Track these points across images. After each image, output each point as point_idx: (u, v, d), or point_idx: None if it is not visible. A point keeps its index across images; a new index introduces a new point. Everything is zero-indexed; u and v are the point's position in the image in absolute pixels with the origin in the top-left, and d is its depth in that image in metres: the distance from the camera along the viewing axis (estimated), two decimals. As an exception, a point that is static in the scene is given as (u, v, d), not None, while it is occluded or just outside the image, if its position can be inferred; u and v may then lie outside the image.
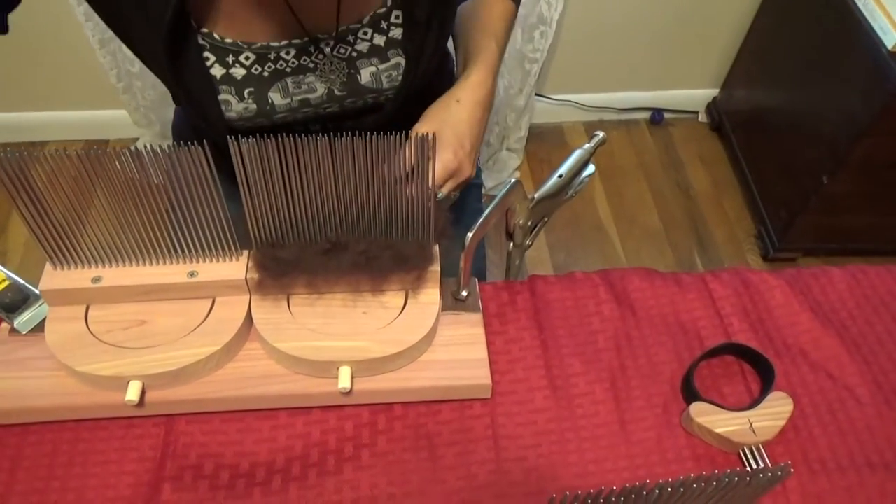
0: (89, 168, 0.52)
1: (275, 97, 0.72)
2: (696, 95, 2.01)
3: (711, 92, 2.00)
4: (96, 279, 0.60)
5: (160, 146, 0.52)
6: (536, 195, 0.72)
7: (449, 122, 0.68)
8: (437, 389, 0.61)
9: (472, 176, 0.70)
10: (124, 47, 1.57)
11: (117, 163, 0.53)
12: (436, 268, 0.63)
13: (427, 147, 0.55)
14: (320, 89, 0.73)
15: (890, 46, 1.25)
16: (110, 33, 1.62)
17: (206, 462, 0.58)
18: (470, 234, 0.61)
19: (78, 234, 0.57)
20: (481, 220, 0.62)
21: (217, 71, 0.69)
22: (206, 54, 0.68)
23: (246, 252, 0.62)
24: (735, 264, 1.73)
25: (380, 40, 0.72)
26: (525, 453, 0.60)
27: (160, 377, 0.57)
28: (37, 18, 1.58)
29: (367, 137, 0.53)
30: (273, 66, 0.70)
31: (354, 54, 0.72)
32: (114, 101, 1.73)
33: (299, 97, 0.73)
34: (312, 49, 0.70)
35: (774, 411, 0.60)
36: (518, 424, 0.61)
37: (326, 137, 0.53)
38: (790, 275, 0.72)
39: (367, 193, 0.58)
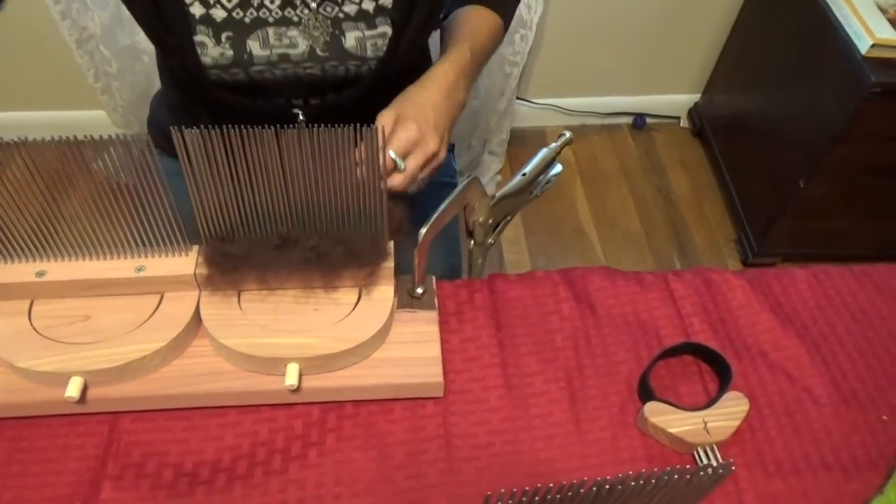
0: (28, 160, 0.51)
1: (253, 46, 0.70)
2: (678, 101, 2.02)
3: (693, 97, 2.00)
4: (40, 273, 0.58)
5: (101, 136, 0.51)
6: (497, 193, 0.71)
7: (411, 100, 0.67)
8: (389, 387, 0.60)
9: (444, 158, 0.68)
10: (102, 46, 1.58)
11: (59, 153, 0.52)
12: (389, 264, 0.62)
13: (377, 139, 0.54)
14: (302, 46, 0.72)
15: (864, 51, 1.25)
16: (87, 33, 1.60)
17: (150, 461, 0.56)
18: (423, 231, 0.60)
19: (20, 226, 0.56)
20: (435, 215, 0.61)
21: (196, 10, 0.68)
22: None
23: (196, 247, 0.61)
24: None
25: (368, 5, 0.71)
26: (477, 453, 0.59)
27: (103, 373, 0.56)
28: (11, 17, 1.57)
29: (314, 130, 0.53)
30: (255, 14, 0.69)
31: (341, 15, 0.71)
32: (92, 102, 1.72)
33: (279, 51, 0.71)
34: (298, 2, 0.70)
35: (729, 411, 0.59)
36: (471, 423, 0.60)
37: (273, 130, 0.52)
38: (752, 275, 0.72)
39: (318, 187, 0.57)
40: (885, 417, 0.62)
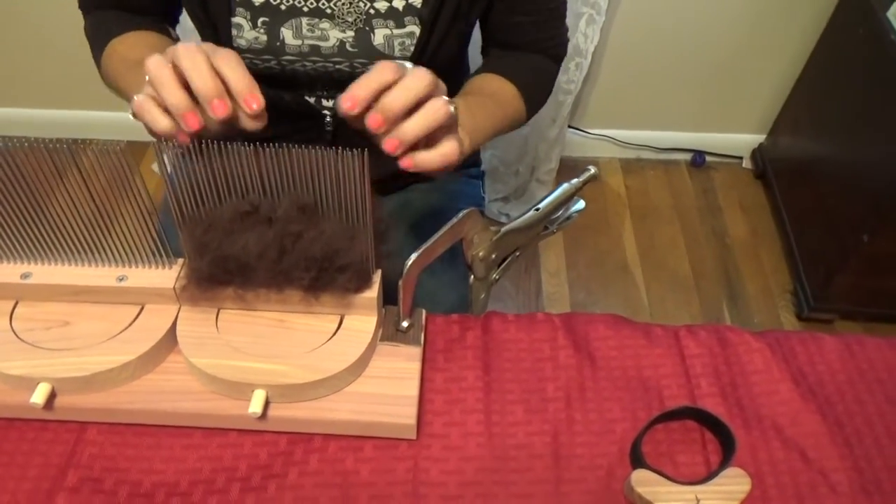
0: (11, 161, 0.51)
1: (287, 34, 0.73)
2: (742, 140, 1.93)
3: (758, 137, 1.91)
4: (26, 275, 0.58)
5: (80, 141, 0.50)
6: (503, 228, 0.67)
7: None
8: (358, 424, 0.56)
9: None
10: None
11: (38, 156, 0.52)
12: (372, 294, 0.59)
13: (360, 165, 0.51)
14: (332, 39, 0.74)
15: (942, 100, 1.15)
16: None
17: (108, 476, 0.55)
18: (409, 262, 0.57)
19: (6, 226, 0.56)
20: (424, 246, 0.58)
21: None
22: None
23: (180, 261, 0.60)
24: (766, 320, 1.63)
25: (399, 3, 0.73)
26: (444, 504, 0.55)
27: (71, 382, 0.55)
28: (20, 13, 1.62)
29: (294, 150, 0.51)
30: (291, 2, 0.72)
31: (372, 11, 0.73)
32: (103, 103, 1.79)
33: (311, 42, 0.74)
34: None
35: (727, 490, 0.53)
36: (443, 472, 0.56)
37: (252, 147, 0.51)
38: (775, 338, 0.65)
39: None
40: (912, 515, 0.55)
